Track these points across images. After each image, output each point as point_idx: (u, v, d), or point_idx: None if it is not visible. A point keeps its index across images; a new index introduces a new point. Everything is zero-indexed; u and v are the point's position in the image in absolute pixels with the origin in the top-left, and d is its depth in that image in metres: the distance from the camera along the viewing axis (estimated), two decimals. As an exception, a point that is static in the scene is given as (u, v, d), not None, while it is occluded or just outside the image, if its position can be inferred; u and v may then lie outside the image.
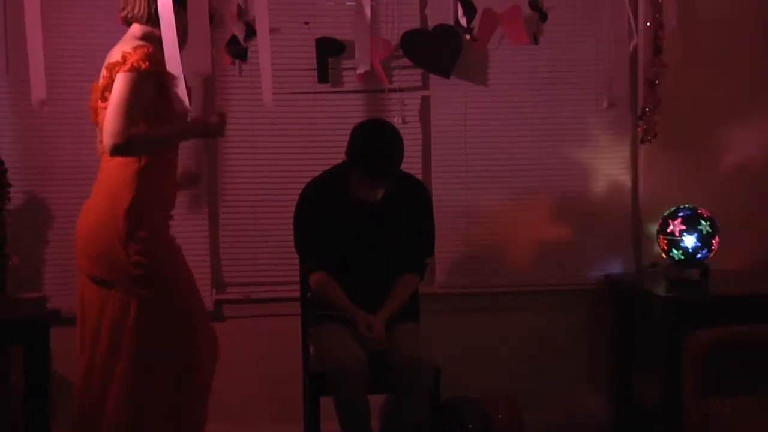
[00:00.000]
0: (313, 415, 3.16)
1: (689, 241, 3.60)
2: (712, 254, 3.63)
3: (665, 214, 3.70)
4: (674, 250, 3.62)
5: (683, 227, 3.61)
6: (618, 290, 3.85)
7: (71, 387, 3.46)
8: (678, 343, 3.24)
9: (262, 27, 3.36)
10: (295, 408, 3.44)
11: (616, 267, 3.92)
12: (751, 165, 3.94)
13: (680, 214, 3.65)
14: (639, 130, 3.82)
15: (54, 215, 3.70)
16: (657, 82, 3.76)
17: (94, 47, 3.53)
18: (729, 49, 3.88)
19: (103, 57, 3.29)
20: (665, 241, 3.65)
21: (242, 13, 3.44)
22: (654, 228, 3.76)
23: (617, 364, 3.88)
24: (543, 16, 3.55)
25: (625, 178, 3.93)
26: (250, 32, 3.56)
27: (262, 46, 3.35)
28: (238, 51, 3.61)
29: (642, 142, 3.82)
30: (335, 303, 3.15)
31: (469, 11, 3.49)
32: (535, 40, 3.63)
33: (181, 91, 2.79)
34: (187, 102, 2.83)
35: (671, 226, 3.64)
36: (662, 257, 3.73)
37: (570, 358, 3.95)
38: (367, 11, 3.54)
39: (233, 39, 3.59)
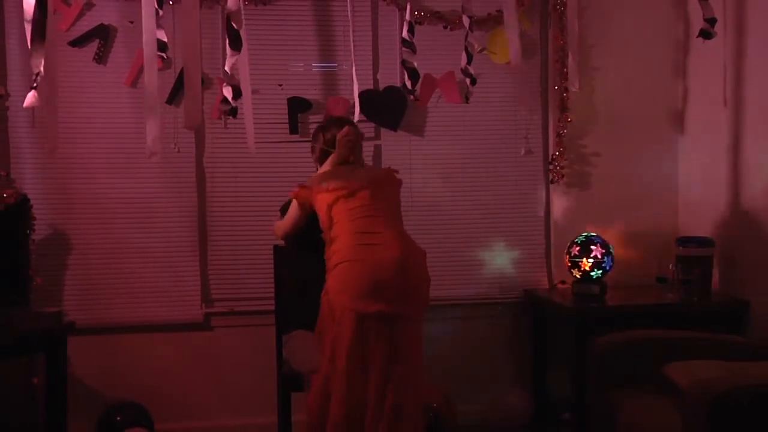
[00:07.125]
0: (286, 408, 3.47)
1: (589, 262, 3.94)
2: (606, 273, 3.97)
3: (571, 240, 4.05)
4: (578, 270, 3.98)
5: (585, 251, 3.95)
6: (534, 302, 4.19)
7: (86, 389, 3.87)
8: (583, 345, 3.60)
9: (245, 89, 3.77)
10: (271, 402, 3.71)
11: (533, 283, 4.30)
12: (639, 200, 4.30)
13: (582, 240, 3.99)
14: (549, 173, 4.25)
15: (72, 243, 3.98)
16: (563, 134, 4.20)
17: (105, 98, 3.94)
18: (619, 111, 4.29)
19: (111, 106, 3.76)
20: (571, 263, 4.01)
21: (229, 77, 3.55)
22: (563, 251, 4.12)
23: (534, 363, 4.23)
24: (473, 81, 3.78)
25: (540, 212, 4.32)
26: (237, 93, 3.72)
27: (246, 104, 3.78)
28: (230, 110, 3.72)
29: (552, 182, 4.24)
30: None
31: (413, 76, 3.77)
32: (467, 100, 3.91)
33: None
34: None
35: (576, 251, 3.98)
36: (569, 275, 4.09)
37: (495, 358, 4.29)
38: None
39: (225, 99, 3.72)
